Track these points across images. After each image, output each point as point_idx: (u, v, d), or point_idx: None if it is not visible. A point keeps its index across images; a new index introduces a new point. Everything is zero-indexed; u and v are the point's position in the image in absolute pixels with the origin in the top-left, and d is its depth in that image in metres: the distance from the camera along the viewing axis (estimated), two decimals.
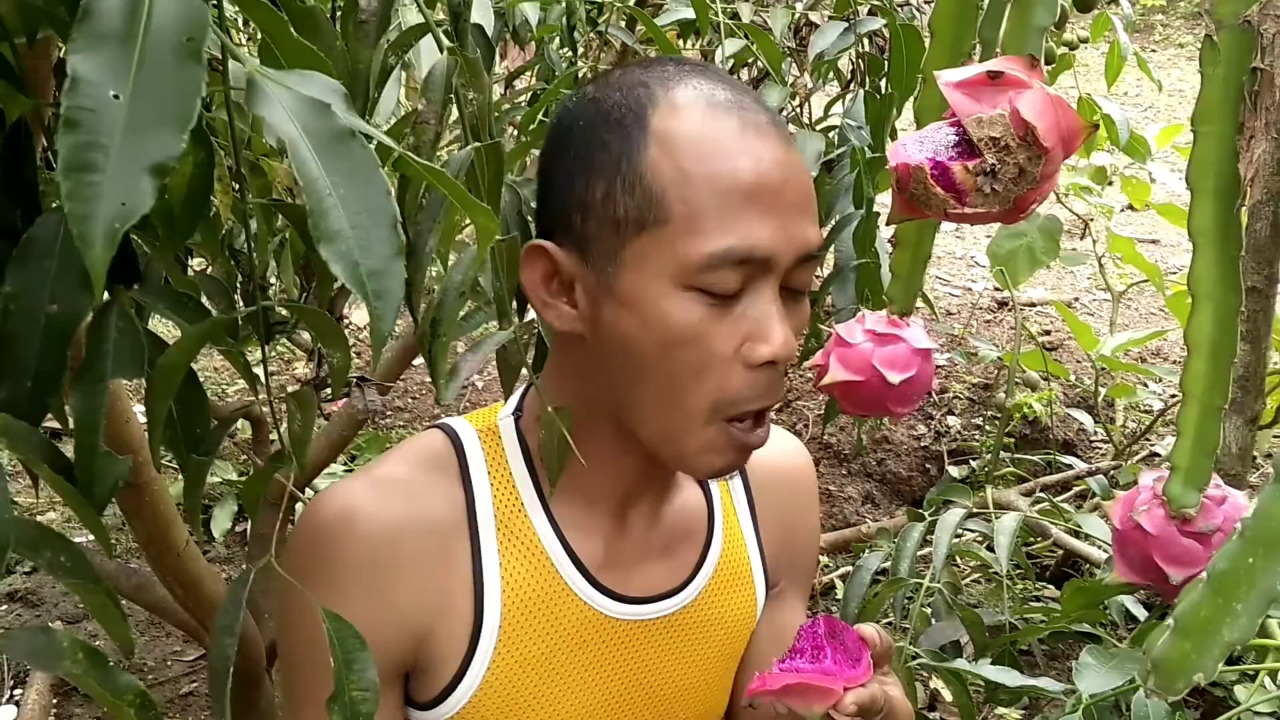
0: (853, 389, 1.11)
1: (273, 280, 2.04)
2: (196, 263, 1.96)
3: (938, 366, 3.48)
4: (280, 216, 1.18)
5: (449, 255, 1.01)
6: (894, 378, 1.08)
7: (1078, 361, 3.65)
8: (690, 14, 1.60)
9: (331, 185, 0.45)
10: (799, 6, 1.95)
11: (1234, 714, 0.87)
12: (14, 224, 0.61)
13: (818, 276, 2.61)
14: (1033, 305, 4.33)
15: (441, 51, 0.77)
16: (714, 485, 0.98)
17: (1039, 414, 3.19)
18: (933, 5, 0.87)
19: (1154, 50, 8.97)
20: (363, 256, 0.46)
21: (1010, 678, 1.10)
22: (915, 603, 1.61)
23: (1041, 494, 2.42)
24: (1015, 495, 2.29)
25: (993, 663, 1.29)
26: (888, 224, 0.86)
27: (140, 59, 0.40)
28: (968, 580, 2.54)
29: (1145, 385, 3.44)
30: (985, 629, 1.56)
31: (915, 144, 0.75)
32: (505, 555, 0.87)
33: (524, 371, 0.88)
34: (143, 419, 0.81)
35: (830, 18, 1.74)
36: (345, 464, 3.03)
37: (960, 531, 1.68)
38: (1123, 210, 4.77)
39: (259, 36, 0.59)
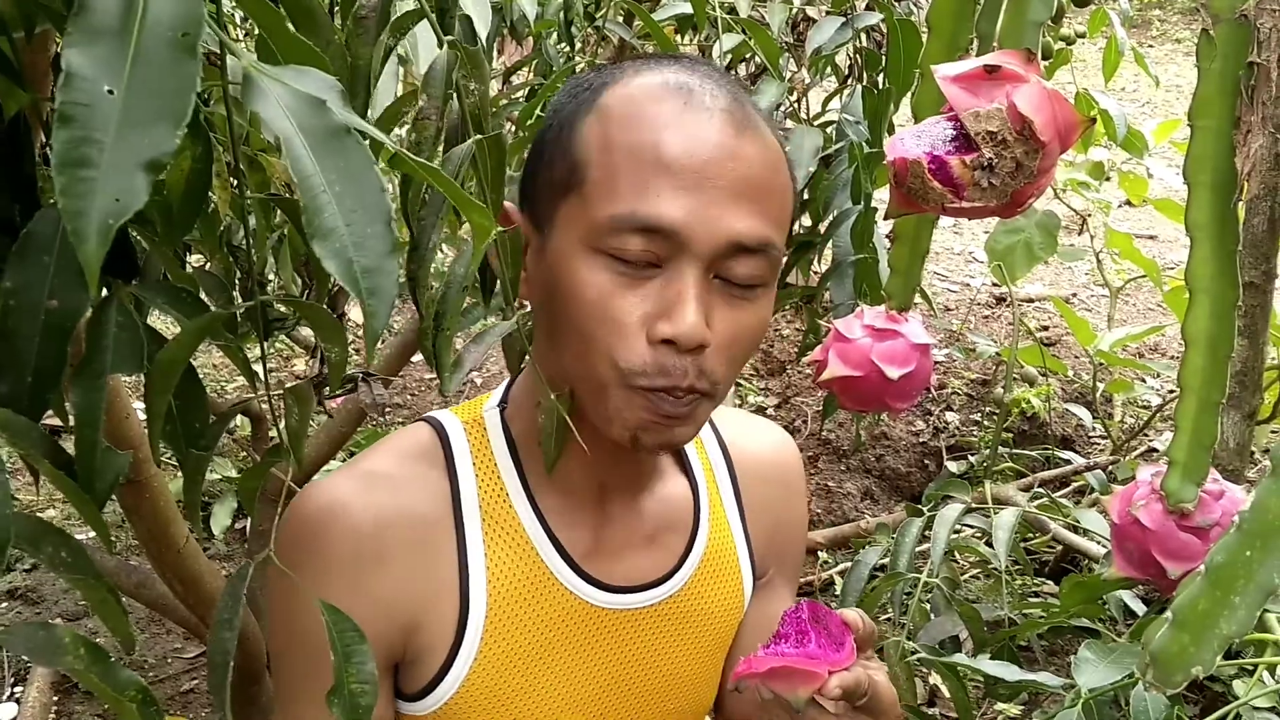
0: (852, 384, 1.11)
1: (271, 276, 2.04)
2: (194, 259, 1.96)
3: (936, 362, 3.48)
4: (279, 212, 1.17)
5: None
6: (893, 373, 1.08)
7: (1075, 357, 3.65)
8: (688, 9, 1.60)
9: (326, 182, 0.45)
10: (796, 1, 1.95)
11: (1232, 708, 0.87)
12: (13, 219, 0.61)
13: (815, 272, 2.61)
14: (1031, 301, 4.33)
15: (441, 46, 0.77)
16: (700, 476, 0.99)
17: (1037, 409, 3.19)
18: (930, 0, 0.88)
19: (1151, 45, 8.96)
20: (357, 254, 0.46)
21: (1009, 673, 1.10)
22: (914, 598, 1.62)
23: (1040, 489, 2.42)
24: (1014, 490, 2.30)
25: (992, 658, 1.29)
26: (885, 219, 0.86)
27: (135, 54, 0.40)
28: (966, 575, 2.55)
29: (1143, 380, 3.44)
30: (984, 624, 1.56)
31: (913, 139, 0.75)
32: (490, 546, 0.87)
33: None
34: (141, 415, 0.81)
35: (828, 13, 1.74)
36: (345, 460, 3.03)
37: (959, 527, 1.68)
38: (1120, 206, 4.77)
39: (256, 32, 0.59)
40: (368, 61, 0.77)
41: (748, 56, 2.16)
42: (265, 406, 0.79)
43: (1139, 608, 1.68)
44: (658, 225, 0.75)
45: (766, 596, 1.03)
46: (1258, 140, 0.76)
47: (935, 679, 2.18)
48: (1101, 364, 3.06)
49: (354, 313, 3.80)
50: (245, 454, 2.98)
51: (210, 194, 0.75)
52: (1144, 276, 3.38)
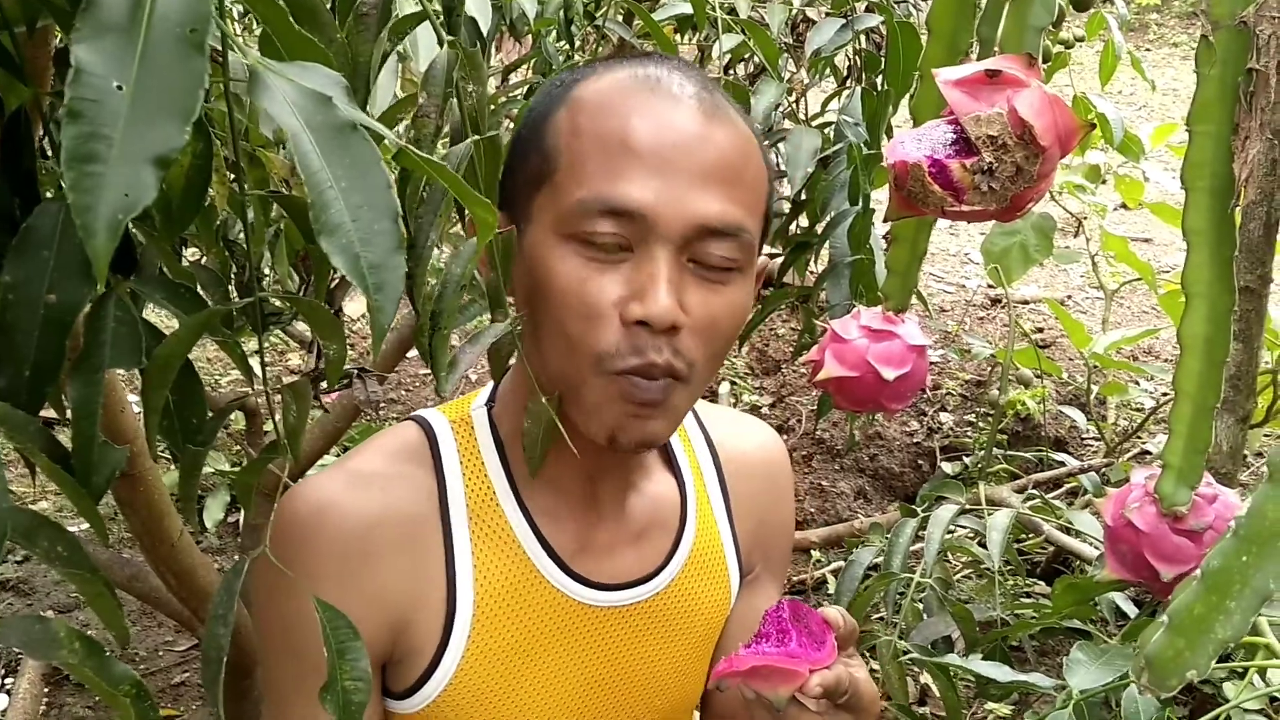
0: (847, 384, 1.11)
1: (267, 271, 2.03)
2: (189, 253, 1.95)
3: (931, 363, 3.48)
4: (276, 208, 1.17)
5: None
6: (888, 373, 1.08)
7: (1070, 359, 3.66)
8: (688, 9, 1.60)
9: (333, 178, 0.46)
10: (796, 2, 1.95)
11: (1222, 711, 0.87)
12: (13, 213, 0.61)
13: (811, 272, 2.61)
14: (1026, 303, 4.34)
15: (441, 45, 0.77)
16: (688, 474, 0.99)
17: (1031, 411, 3.20)
18: (930, 2, 0.88)
19: (1148, 49, 8.98)
20: (364, 249, 0.46)
21: (1001, 673, 1.10)
22: (907, 598, 1.62)
23: (1033, 491, 2.43)
24: (1007, 492, 2.30)
25: (984, 658, 1.29)
26: (884, 221, 0.86)
27: (143, 50, 0.40)
28: (959, 576, 2.55)
29: (1137, 383, 3.45)
30: (976, 624, 1.56)
31: (913, 141, 0.75)
32: (477, 545, 0.88)
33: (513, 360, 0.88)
34: (137, 408, 0.81)
35: (827, 14, 1.75)
36: (339, 455, 3.03)
37: (952, 527, 1.68)
38: (1116, 209, 4.78)
39: (255, 28, 0.59)
40: (368, 59, 0.77)
41: (747, 57, 2.16)
42: (261, 401, 0.79)
43: (1131, 610, 1.68)
44: (625, 207, 0.75)
45: (753, 593, 1.03)
46: (1255, 146, 0.77)
47: (926, 678, 2.19)
48: (1096, 366, 3.06)
49: (350, 308, 3.80)
50: (239, 448, 2.97)
51: (209, 189, 0.75)
52: (1139, 280, 3.38)
